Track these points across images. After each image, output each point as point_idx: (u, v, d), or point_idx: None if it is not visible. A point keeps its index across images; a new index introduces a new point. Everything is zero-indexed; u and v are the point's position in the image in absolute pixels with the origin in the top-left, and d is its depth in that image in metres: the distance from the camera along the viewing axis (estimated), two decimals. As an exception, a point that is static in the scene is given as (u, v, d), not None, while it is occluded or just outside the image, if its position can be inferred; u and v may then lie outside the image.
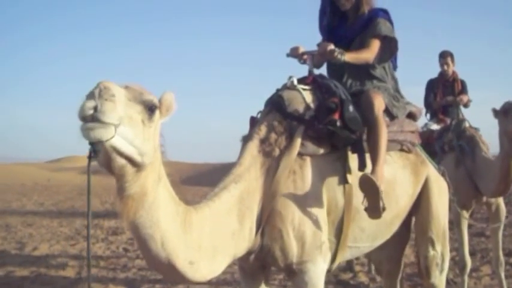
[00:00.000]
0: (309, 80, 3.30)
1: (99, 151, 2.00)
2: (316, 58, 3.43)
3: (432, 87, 6.70)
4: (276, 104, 3.12)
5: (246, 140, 3.01)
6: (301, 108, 3.09)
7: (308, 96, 3.16)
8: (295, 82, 3.24)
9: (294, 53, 3.43)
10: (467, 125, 6.01)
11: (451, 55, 6.62)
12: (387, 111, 3.38)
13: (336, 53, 3.22)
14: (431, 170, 3.66)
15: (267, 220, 2.75)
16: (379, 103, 3.24)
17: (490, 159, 5.43)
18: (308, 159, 2.95)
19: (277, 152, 2.90)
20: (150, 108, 2.15)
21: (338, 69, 3.49)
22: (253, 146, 2.92)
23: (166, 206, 2.31)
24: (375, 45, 3.44)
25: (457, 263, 5.71)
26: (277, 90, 3.25)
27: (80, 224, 12.15)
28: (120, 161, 2.08)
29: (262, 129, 2.99)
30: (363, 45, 3.44)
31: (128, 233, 10.48)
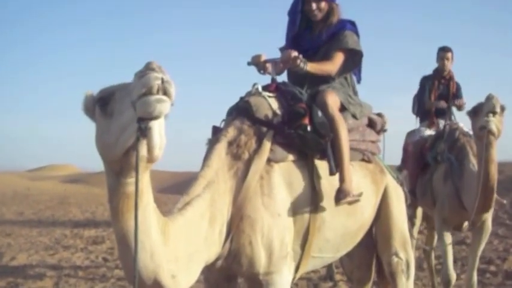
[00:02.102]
0: (273, 88, 3.27)
1: (148, 130, 1.89)
2: (278, 66, 3.41)
3: (427, 84, 6.42)
4: (243, 110, 3.08)
5: (212, 142, 2.94)
6: (268, 114, 3.06)
7: (274, 103, 3.14)
8: (260, 89, 3.21)
9: (255, 61, 3.40)
10: (461, 131, 5.72)
11: (452, 51, 6.35)
12: (344, 109, 3.37)
13: (298, 61, 3.22)
14: (389, 179, 3.68)
15: (237, 225, 2.69)
16: (333, 101, 3.25)
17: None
18: (275, 166, 2.90)
19: (246, 155, 2.84)
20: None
21: (299, 78, 3.47)
22: (221, 147, 2.85)
23: (154, 214, 2.22)
24: (339, 58, 3.46)
25: (441, 277, 5.44)
26: (241, 97, 3.21)
27: (59, 234, 12.00)
28: (143, 148, 1.95)
29: (231, 132, 2.93)
30: (327, 57, 3.45)
31: (108, 243, 10.39)
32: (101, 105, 2.06)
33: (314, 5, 3.49)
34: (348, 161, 3.12)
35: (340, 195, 3.01)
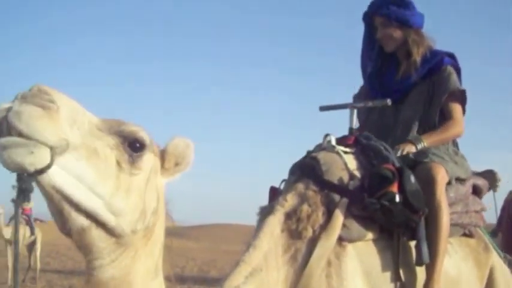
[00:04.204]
0: (351, 141, 2.61)
1: (29, 191, 1.33)
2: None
3: None
4: (308, 169, 2.40)
5: (264, 213, 2.30)
6: (343, 176, 2.38)
7: (351, 162, 2.44)
8: (334, 142, 2.52)
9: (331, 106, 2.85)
10: None
11: None
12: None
13: (414, 148, 2.63)
14: (495, 258, 2.88)
15: None
16: (443, 178, 2.53)
17: None
18: (348, 247, 2.23)
19: (309, 232, 2.20)
20: (133, 145, 1.44)
21: (383, 128, 2.84)
22: (276, 222, 2.21)
23: None
24: (459, 110, 2.84)
25: None
26: (309, 152, 2.54)
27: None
28: (77, 218, 1.38)
29: (290, 200, 2.29)
30: (429, 97, 2.83)
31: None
32: None
33: (381, 33, 2.90)
34: (442, 260, 2.39)
35: None
